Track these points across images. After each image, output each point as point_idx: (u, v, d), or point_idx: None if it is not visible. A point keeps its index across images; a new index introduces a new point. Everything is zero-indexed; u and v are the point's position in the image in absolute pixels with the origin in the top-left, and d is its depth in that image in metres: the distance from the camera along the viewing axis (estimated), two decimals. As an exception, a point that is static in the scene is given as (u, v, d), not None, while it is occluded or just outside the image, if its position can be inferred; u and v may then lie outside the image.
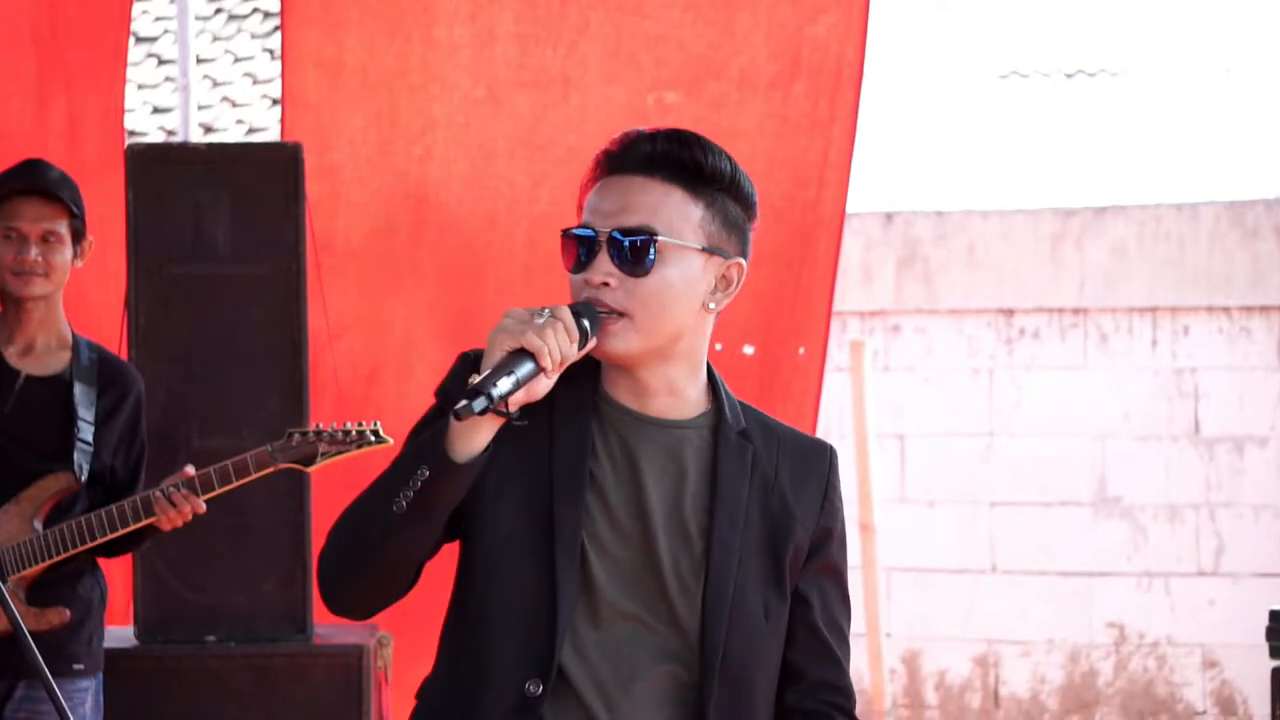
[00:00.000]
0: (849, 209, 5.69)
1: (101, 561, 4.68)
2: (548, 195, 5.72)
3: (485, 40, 5.74)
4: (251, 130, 10.04)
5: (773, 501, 2.68)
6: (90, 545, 4.48)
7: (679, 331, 2.63)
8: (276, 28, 10.40)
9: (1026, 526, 8.22)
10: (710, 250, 2.63)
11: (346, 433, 4.48)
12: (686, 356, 2.66)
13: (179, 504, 4.41)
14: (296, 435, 4.48)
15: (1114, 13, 10.29)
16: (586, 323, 2.57)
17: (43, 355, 4.64)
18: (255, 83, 10.37)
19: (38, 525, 4.48)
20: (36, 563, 4.46)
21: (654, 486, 2.64)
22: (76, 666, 4.56)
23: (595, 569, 2.62)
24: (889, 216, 8.40)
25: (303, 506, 5.30)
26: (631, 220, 2.60)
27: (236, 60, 10.55)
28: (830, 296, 5.63)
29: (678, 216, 2.61)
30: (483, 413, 2.46)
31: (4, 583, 4.43)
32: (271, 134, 9.83)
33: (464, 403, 2.45)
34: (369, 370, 5.78)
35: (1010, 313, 8.30)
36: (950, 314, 8.35)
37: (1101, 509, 8.16)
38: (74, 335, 4.67)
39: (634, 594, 2.63)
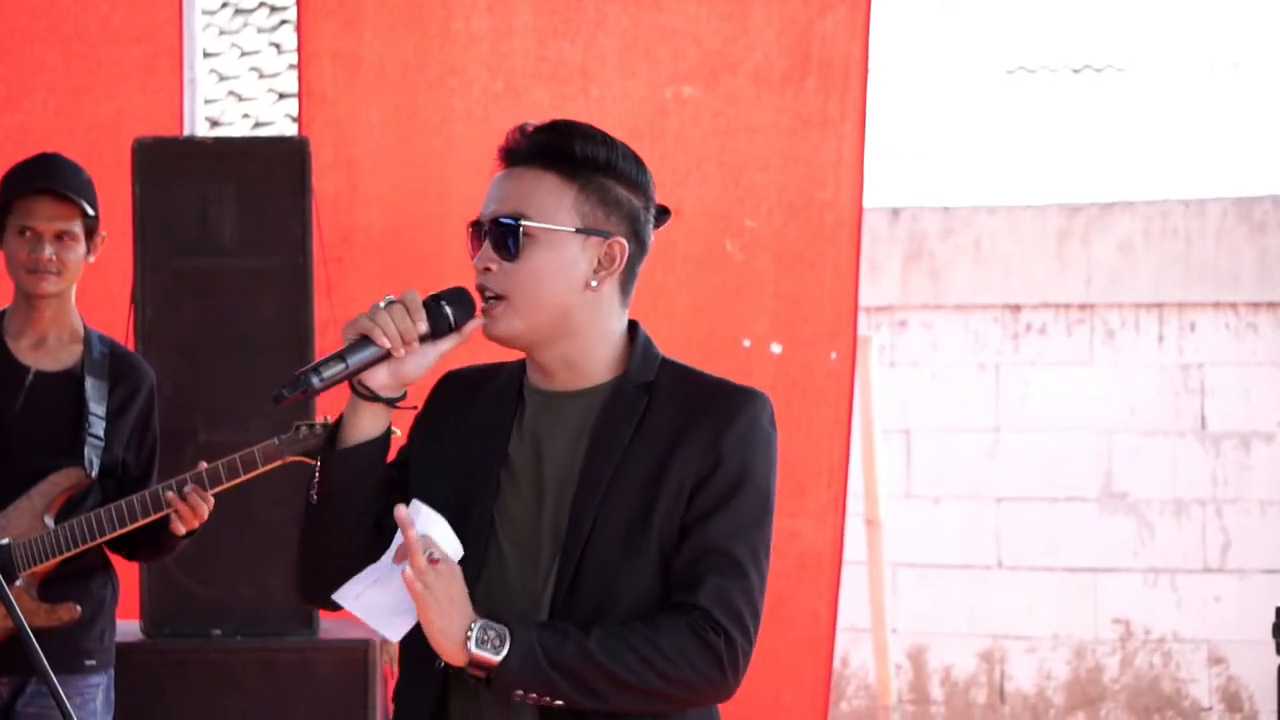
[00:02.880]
0: (856, 205, 5.72)
1: (111, 556, 4.68)
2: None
3: (503, 33, 5.75)
4: (258, 124, 10.05)
5: (658, 442, 2.75)
6: (100, 540, 4.48)
7: (563, 310, 2.76)
8: (283, 22, 10.42)
9: (1032, 522, 8.21)
10: (586, 231, 2.76)
11: (354, 426, 4.48)
12: (581, 334, 2.78)
13: (191, 501, 4.40)
14: (304, 428, 4.48)
15: (1120, 8, 10.28)
16: (448, 306, 2.76)
17: (54, 350, 4.63)
18: (261, 77, 10.38)
19: (49, 521, 4.48)
20: (48, 558, 4.45)
21: (551, 454, 2.78)
22: (88, 662, 4.56)
23: (501, 541, 2.76)
24: (895, 212, 8.40)
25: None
26: (504, 208, 2.77)
27: (243, 54, 10.56)
28: (855, 299, 5.68)
29: (551, 200, 2.76)
30: (304, 395, 2.69)
31: (11, 581, 4.43)
32: (278, 128, 9.84)
33: (279, 389, 2.70)
34: (391, 364, 5.78)
35: (1017, 308, 8.29)
36: (956, 309, 8.35)
37: (1107, 505, 8.15)
38: (86, 329, 4.66)
39: (520, 550, 2.76)
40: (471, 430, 2.82)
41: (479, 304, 2.79)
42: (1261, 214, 8.05)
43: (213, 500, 4.46)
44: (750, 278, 5.72)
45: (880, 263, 8.29)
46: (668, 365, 2.84)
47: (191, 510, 4.41)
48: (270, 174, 5.35)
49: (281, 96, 10.09)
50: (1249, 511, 8.01)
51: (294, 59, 6.11)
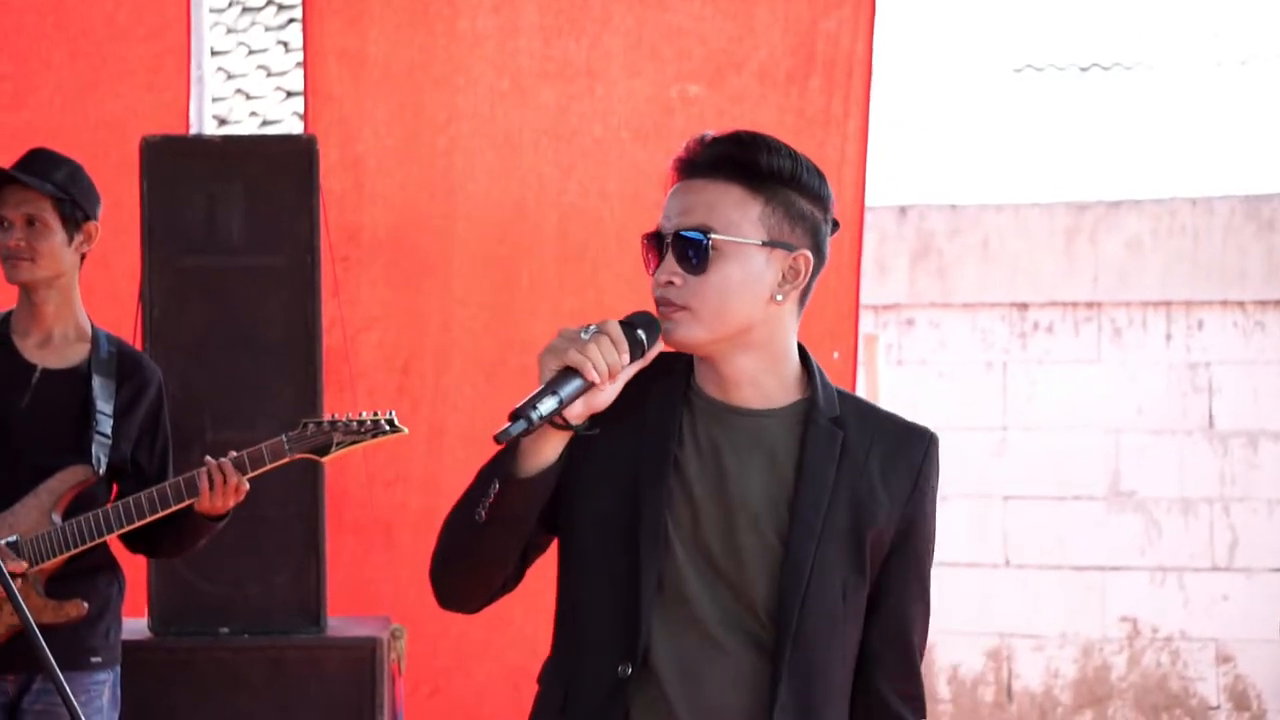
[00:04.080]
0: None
1: (118, 554, 4.68)
2: (576, 186, 5.74)
3: (509, 32, 5.76)
4: (265, 123, 10.05)
5: (860, 486, 2.76)
6: (107, 537, 4.49)
7: (746, 323, 2.74)
8: (290, 20, 10.43)
9: (1040, 520, 8.21)
10: (772, 244, 2.73)
11: (361, 422, 4.49)
12: (764, 348, 2.76)
13: (227, 470, 4.39)
14: (311, 426, 4.49)
15: (1128, 6, 10.27)
16: (641, 331, 2.71)
17: (60, 348, 4.64)
18: (269, 75, 10.38)
19: (56, 518, 4.48)
20: (55, 555, 4.46)
21: (737, 472, 2.74)
22: (94, 659, 4.57)
23: (678, 553, 2.72)
24: (903, 210, 8.40)
25: (317, 498, 5.31)
26: (690, 221, 2.73)
27: (250, 53, 10.56)
28: (856, 299, 5.68)
29: (736, 213, 2.73)
30: (524, 434, 2.61)
31: (16, 578, 4.44)
32: (285, 126, 9.84)
33: (503, 428, 2.60)
34: (403, 361, 5.80)
35: (1024, 306, 8.29)
36: (964, 308, 8.34)
37: (1115, 503, 8.15)
38: (94, 327, 4.67)
39: (716, 577, 2.73)
40: (644, 423, 2.77)
41: (659, 319, 2.75)
42: (1270, 212, 8.04)
43: (247, 485, 4.45)
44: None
45: (887, 261, 8.29)
46: (845, 397, 2.83)
47: (225, 480, 4.39)
48: (277, 172, 5.35)
49: (289, 95, 10.10)
50: (1256, 510, 8.00)
51: (301, 57, 6.11)
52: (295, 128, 9.51)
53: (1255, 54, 9.71)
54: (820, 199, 2.79)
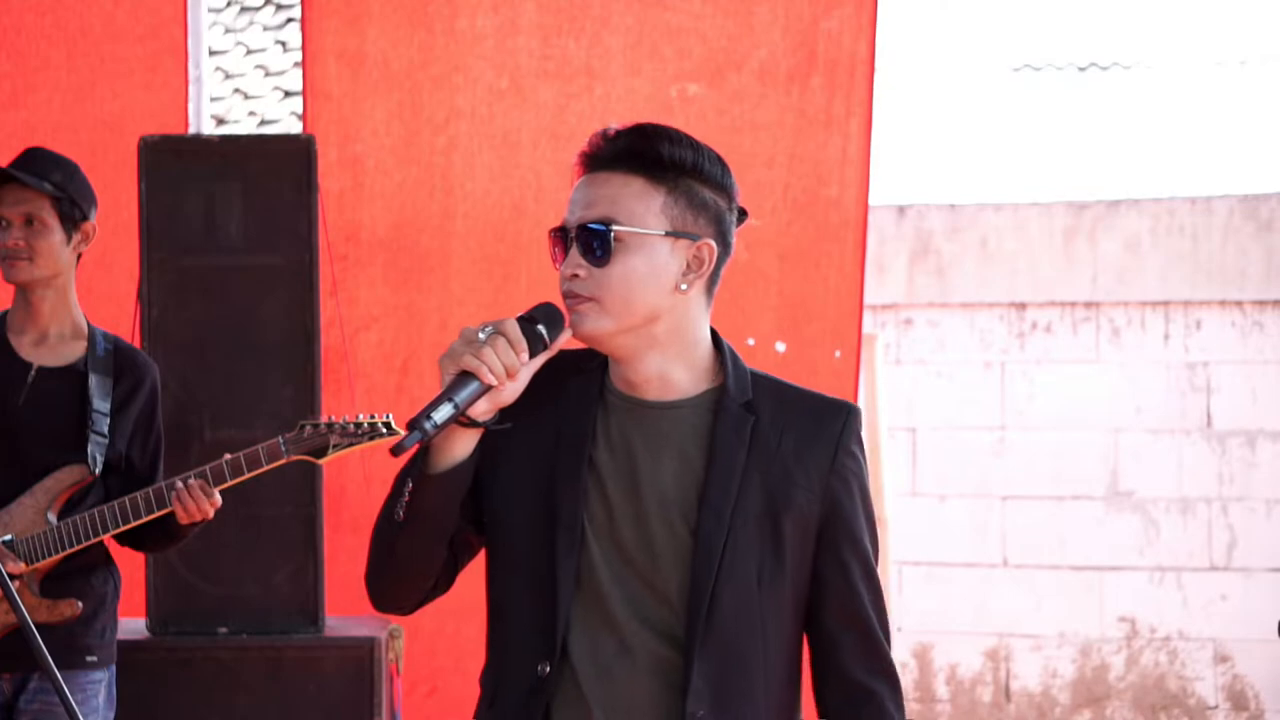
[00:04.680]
0: (862, 203, 5.72)
1: (115, 553, 4.68)
2: (575, 185, 5.74)
3: (508, 31, 5.75)
4: (264, 122, 10.05)
5: (774, 468, 2.75)
6: (103, 537, 4.49)
7: (653, 313, 2.74)
8: (289, 20, 10.42)
9: (1038, 520, 8.21)
10: (675, 234, 2.74)
11: (359, 425, 4.49)
12: (672, 339, 2.77)
13: (195, 494, 4.41)
14: (308, 427, 4.49)
15: (1126, 6, 10.27)
16: (542, 326, 2.72)
17: (56, 346, 4.63)
18: (267, 75, 10.37)
19: (51, 517, 4.48)
20: (50, 554, 4.46)
21: (649, 466, 2.76)
22: (90, 659, 4.56)
23: (594, 550, 2.74)
24: (901, 210, 8.40)
25: (314, 499, 5.31)
26: (593, 213, 2.74)
27: (249, 52, 10.56)
28: (860, 298, 5.68)
29: (639, 205, 2.74)
30: (423, 442, 2.63)
31: (15, 578, 4.43)
32: (284, 126, 9.84)
33: (399, 439, 2.62)
34: (402, 361, 5.80)
35: (1023, 306, 8.29)
36: (962, 307, 8.34)
37: (1113, 503, 8.15)
38: (90, 326, 4.66)
39: (631, 572, 2.74)
40: (558, 422, 2.79)
41: (565, 313, 2.76)
42: (1268, 212, 8.04)
43: (219, 498, 4.46)
44: (754, 276, 5.72)
45: (886, 261, 8.29)
46: (760, 379, 2.82)
47: (195, 504, 4.42)
48: (276, 172, 5.35)
49: (287, 94, 10.10)
50: (1255, 510, 8.00)
51: (300, 57, 6.11)
52: (294, 127, 9.51)
53: (1254, 54, 9.71)
54: (723, 188, 2.80)
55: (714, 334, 2.84)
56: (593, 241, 2.73)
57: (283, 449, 4.48)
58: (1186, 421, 8.08)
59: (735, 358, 2.82)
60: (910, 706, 8.33)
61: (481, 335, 2.69)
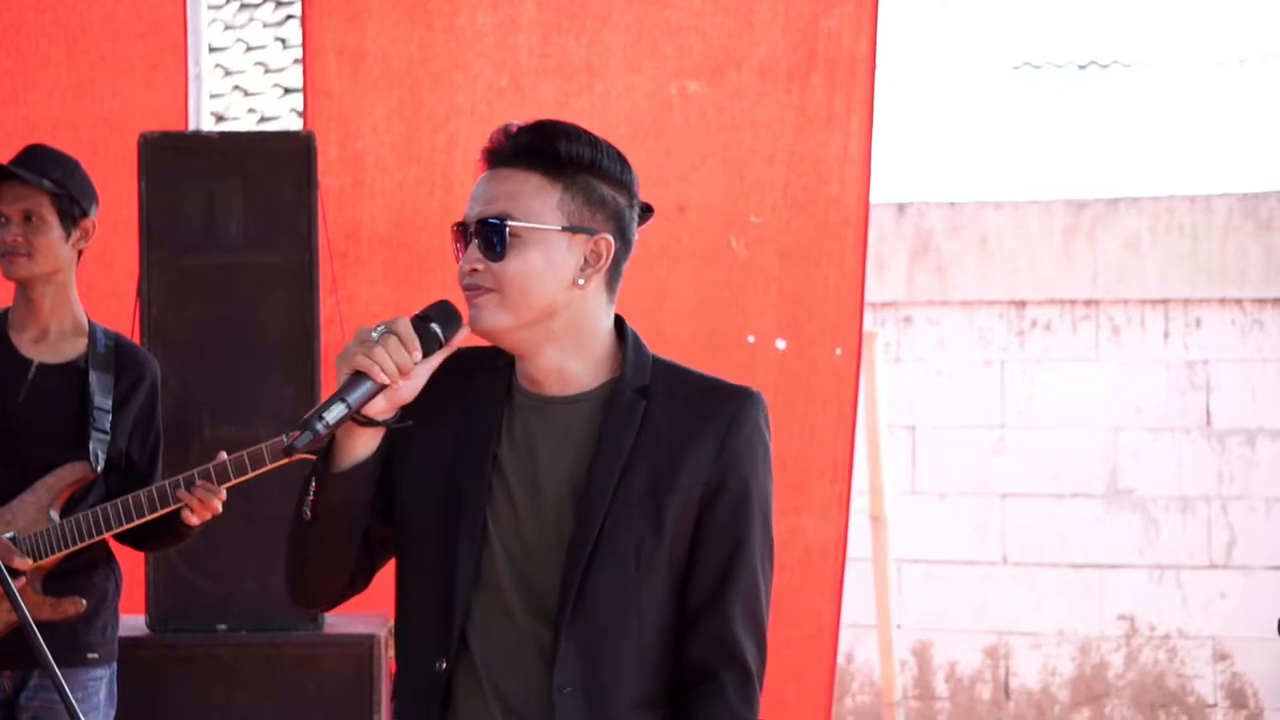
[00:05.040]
0: (862, 201, 5.72)
1: (115, 550, 4.68)
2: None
3: (508, 29, 5.75)
4: (263, 119, 10.04)
5: (660, 452, 2.77)
6: (105, 535, 4.48)
7: (550, 308, 2.76)
8: (289, 17, 10.42)
9: (1038, 518, 8.21)
10: (572, 229, 2.76)
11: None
12: (570, 333, 2.79)
13: (203, 497, 4.41)
14: (312, 426, 4.48)
15: (1126, 4, 10.27)
16: (436, 325, 2.74)
17: (56, 343, 4.63)
18: (267, 71, 10.37)
19: (54, 515, 4.48)
20: (53, 552, 4.46)
21: (548, 461, 2.79)
22: (91, 656, 4.57)
23: (495, 547, 2.78)
24: (901, 208, 8.39)
25: (314, 496, 5.30)
26: (491, 209, 2.78)
27: (249, 49, 10.56)
28: (861, 297, 5.68)
29: (535, 200, 2.77)
30: (316, 442, 2.65)
31: (19, 575, 4.44)
32: (284, 123, 9.83)
33: (288, 442, 2.66)
34: (403, 359, 5.80)
35: (1022, 304, 8.29)
36: (962, 305, 8.34)
37: (1113, 501, 8.15)
38: (90, 323, 4.66)
39: (530, 565, 2.78)
40: (464, 420, 2.82)
41: (464, 310, 2.79)
42: (1268, 210, 8.04)
43: (225, 494, 4.46)
44: (755, 274, 5.72)
45: (886, 259, 8.29)
46: (661, 366, 2.84)
47: (202, 504, 4.43)
48: (276, 169, 5.34)
49: (287, 91, 10.09)
50: (1254, 508, 8.00)
51: (299, 54, 6.11)
52: (294, 124, 9.51)
53: (1254, 53, 9.71)
54: (622, 184, 2.81)
55: (621, 324, 2.86)
56: (491, 237, 2.76)
57: (285, 449, 4.48)
58: (1186, 420, 8.08)
59: (639, 345, 2.84)
60: (909, 704, 8.33)
61: (374, 335, 2.71)
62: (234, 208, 5.34)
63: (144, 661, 5.10)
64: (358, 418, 2.71)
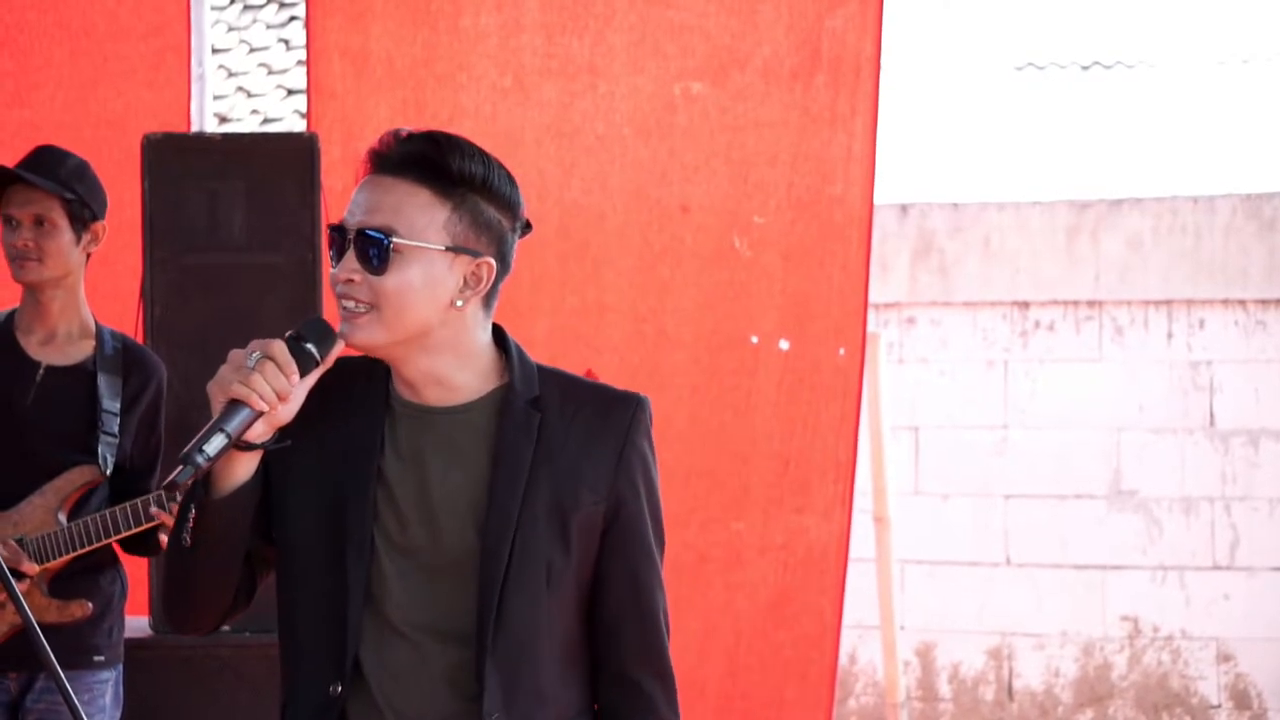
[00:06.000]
0: (865, 201, 5.72)
1: (120, 553, 4.68)
2: (579, 184, 5.74)
3: (511, 29, 5.75)
4: (267, 120, 10.05)
5: (560, 465, 2.71)
6: (114, 539, 4.48)
7: (425, 326, 2.68)
8: (292, 18, 10.42)
9: (1041, 519, 8.20)
10: (455, 249, 2.68)
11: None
12: (448, 348, 2.71)
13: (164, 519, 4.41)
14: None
15: (1130, 5, 10.27)
16: (311, 345, 2.66)
17: (64, 345, 4.63)
18: (270, 73, 10.38)
19: (62, 518, 4.48)
20: (60, 555, 4.46)
21: (437, 474, 2.70)
22: (97, 658, 4.57)
23: (385, 564, 2.69)
24: (904, 208, 8.39)
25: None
26: (375, 220, 2.67)
27: (252, 50, 10.56)
28: (865, 297, 5.68)
29: (422, 217, 2.67)
30: (197, 475, 2.58)
31: (25, 579, 4.44)
32: (287, 124, 9.84)
33: (170, 477, 2.57)
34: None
35: (1025, 305, 8.29)
36: (965, 306, 8.34)
37: (1116, 502, 8.15)
38: (98, 325, 4.66)
39: (424, 581, 2.70)
40: (343, 432, 2.74)
41: (335, 322, 2.71)
42: (1271, 211, 8.04)
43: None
44: (758, 274, 5.72)
45: (889, 259, 8.29)
46: (548, 375, 2.78)
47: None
48: (279, 170, 5.35)
49: (290, 93, 10.10)
50: (1257, 509, 8.00)
51: (303, 55, 6.12)
52: (297, 126, 9.52)
53: (1257, 52, 9.71)
54: (510, 206, 2.74)
55: (500, 333, 2.80)
56: (370, 249, 2.66)
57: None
58: (1189, 420, 8.08)
59: (522, 355, 2.78)
60: (913, 705, 8.33)
61: (249, 362, 2.63)
62: (237, 208, 5.34)
63: (147, 663, 5.10)
64: (238, 444, 2.62)
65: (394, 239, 2.65)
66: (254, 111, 10.15)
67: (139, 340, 5.16)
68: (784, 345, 5.67)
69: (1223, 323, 8.06)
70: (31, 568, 4.42)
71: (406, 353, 2.70)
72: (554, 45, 5.75)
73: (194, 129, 5.84)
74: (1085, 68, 9.87)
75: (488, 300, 2.75)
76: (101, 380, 4.56)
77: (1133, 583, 8.12)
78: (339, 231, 2.71)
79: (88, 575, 4.54)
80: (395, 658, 2.69)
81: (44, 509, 4.48)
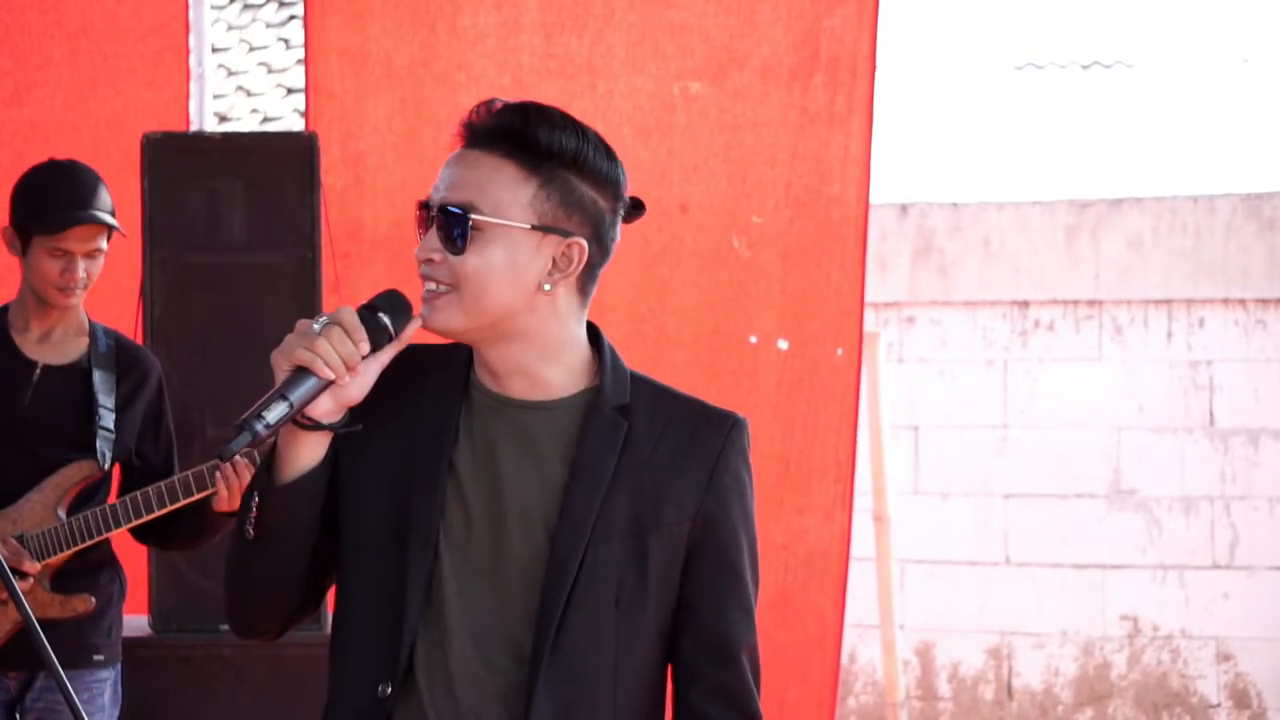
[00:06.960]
0: (864, 201, 5.72)
1: (118, 550, 4.69)
2: (578, 183, 5.74)
3: (510, 29, 5.76)
4: (266, 119, 10.05)
5: (644, 480, 2.53)
6: (114, 533, 4.49)
7: (507, 311, 2.51)
8: (291, 17, 10.42)
9: (1041, 519, 8.21)
10: (543, 229, 2.50)
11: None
12: (533, 337, 2.54)
13: (240, 471, 4.36)
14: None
15: (1129, 4, 10.27)
16: (384, 316, 2.50)
17: (59, 343, 4.63)
18: (270, 72, 10.38)
19: (61, 513, 4.49)
20: (61, 550, 4.47)
21: (512, 470, 2.54)
22: (96, 657, 4.58)
23: (446, 562, 2.53)
24: (904, 208, 8.39)
25: (317, 496, 5.30)
26: (456, 196, 2.51)
27: (251, 49, 10.56)
28: (861, 297, 5.67)
29: (506, 193, 2.50)
30: (255, 444, 2.39)
31: (27, 577, 4.44)
32: (286, 123, 9.84)
33: (227, 443, 2.39)
34: (405, 358, 5.81)
35: (1025, 304, 8.29)
36: (965, 305, 8.34)
37: (1116, 501, 8.15)
38: (90, 322, 4.66)
39: (484, 585, 2.53)
40: (416, 422, 2.56)
41: (416, 300, 2.55)
42: (1271, 210, 8.04)
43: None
44: (757, 274, 5.72)
45: (888, 259, 8.29)
46: (640, 383, 2.59)
47: (239, 480, 4.36)
48: (278, 169, 5.35)
49: (290, 92, 10.10)
50: (1257, 508, 8.00)
51: (302, 54, 6.12)
52: (296, 125, 9.51)
53: (1257, 52, 9.71)
54: (607, 183, 2.54)
55: (595, 332, 2.61)
56: (452, 227, 2.49)
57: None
58: (1189, 420, 8.08)
59: (615, 358, 2.59)
60: (912, 704, 8.33)
61: (316, 326, 2.46)
62: (236, 208, 5.34)
63: (147, 662, 5.10)
64: (301, 420, 2.44)
65: (474, 215, 2.48)
66: (254, 111, 10.15)
67: (138, 339, 5.17)
68: (783, 345, 5.67)
69: (1223, 322, 8.06)
70: (34, 566, 4.42)
71: (489, 339, 2.53)
72: (553, 45, 5.75)
73: (193, 128, 5.84)
74: (1085, 67, 9.88)
75: (583, 288, 2.57)
76: (96, 376, 4.57)
77: (1132, 582, 8.12)
78: (425, 208, 2.54)
79: (87, 573, 4.55)
80: (448, 663, 2.52)
81: (43, 505, 4.49)
